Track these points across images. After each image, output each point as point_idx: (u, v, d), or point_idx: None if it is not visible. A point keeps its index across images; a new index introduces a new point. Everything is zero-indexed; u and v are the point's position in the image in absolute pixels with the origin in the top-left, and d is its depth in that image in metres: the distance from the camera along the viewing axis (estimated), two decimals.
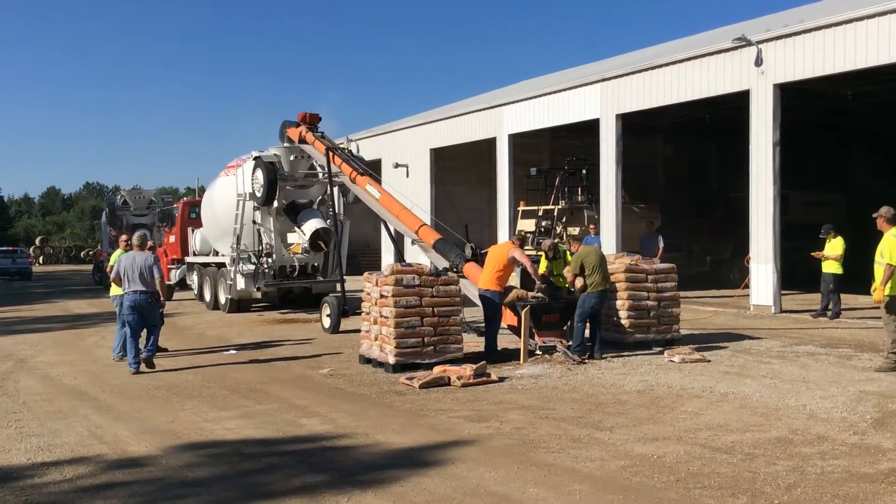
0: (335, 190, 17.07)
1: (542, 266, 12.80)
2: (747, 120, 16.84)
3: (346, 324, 14.50)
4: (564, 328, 11.00)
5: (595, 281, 10.71)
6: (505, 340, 11.41)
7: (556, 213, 19.87)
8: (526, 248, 16.55)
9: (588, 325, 10.91)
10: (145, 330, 10.97)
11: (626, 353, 11.02)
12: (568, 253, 12.21)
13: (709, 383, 9.02)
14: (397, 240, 16.41)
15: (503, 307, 10.99)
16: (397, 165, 27.97)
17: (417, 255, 16.19)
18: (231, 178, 18.72)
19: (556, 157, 24.86)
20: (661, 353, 10.91)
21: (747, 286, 16.82)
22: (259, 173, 17.54)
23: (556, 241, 13.31)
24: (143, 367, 10.76)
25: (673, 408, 7.86)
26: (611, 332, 11.44)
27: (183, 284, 22.89)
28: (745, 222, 17.14)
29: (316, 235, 17.36)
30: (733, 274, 21.30)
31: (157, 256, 11.27)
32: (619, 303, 11.54)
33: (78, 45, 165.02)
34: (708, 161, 27.90)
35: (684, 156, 27.49)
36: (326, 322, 14.73)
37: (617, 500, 5.31)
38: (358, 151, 25.32)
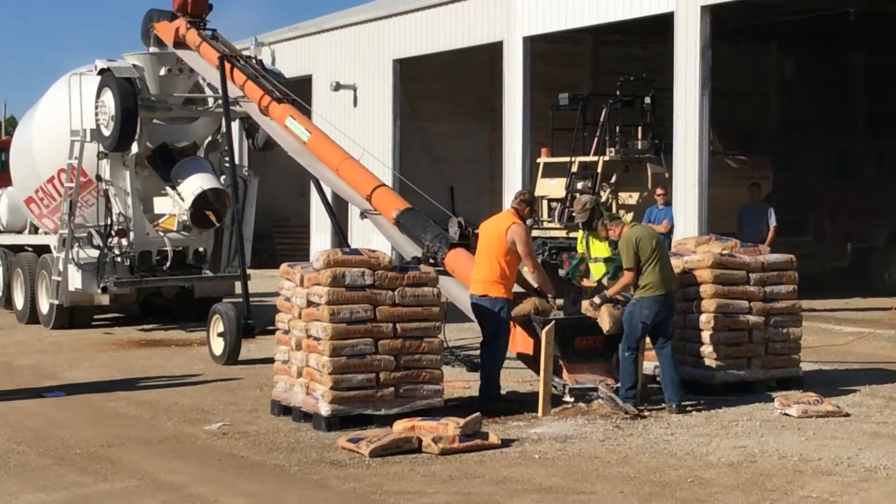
0: (235, 126, 16.92)
1: (580, 244, 12.66)
2: None
3: (249, 348, 14.52)
4: (612, 360, 11.05)
5: (653, 280, 10.69)
6: (513, 379, 11.37)
7: (600, 169, 19.86)
8: (549, 222, 16.36)
9: (646, 353, 10.99)
10: None
11: (711, 401, 11.07)
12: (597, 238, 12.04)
13: (847, 451, 9.11)
14: (336, 210, 16.36)
15: (511, 324, 11.02)
16: (338, 87, 27.92)
17: (370, 236, 16.15)
18: (62, 106, 18.59)
19: (602, 77, 24.82)
20: (771, 400, 10.99)
21: None
22: (108, 97, 17.45)
23: (597, 198, 13.10)
24: None
25: (788, 491, 7.94)
26: (688, 367, 11.51)
27: None
28: None
29: (202, 201, 17.33)
30: (890, 271, 21.40)
31: None
32: (702, 319, 11.58)
33: None
34: (851, 86, 27.97)
35: (812, 76, 27.55)
36: (218, 346, 14.74)
37: None
38: (273, 63, 25.23)
